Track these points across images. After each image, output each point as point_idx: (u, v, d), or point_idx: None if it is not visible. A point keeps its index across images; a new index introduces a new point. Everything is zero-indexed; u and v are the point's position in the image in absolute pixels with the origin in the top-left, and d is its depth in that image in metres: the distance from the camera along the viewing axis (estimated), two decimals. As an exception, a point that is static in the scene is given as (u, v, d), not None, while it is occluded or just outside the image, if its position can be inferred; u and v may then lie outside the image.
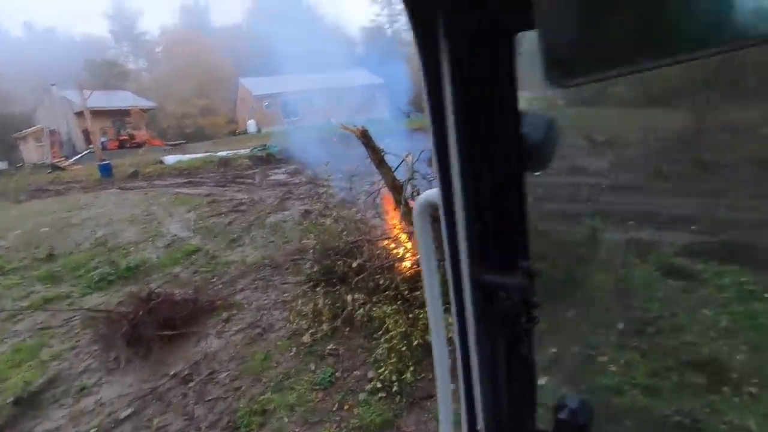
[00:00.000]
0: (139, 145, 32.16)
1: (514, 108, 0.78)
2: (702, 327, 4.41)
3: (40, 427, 4.51)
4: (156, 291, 6.41)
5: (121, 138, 33.06)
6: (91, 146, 29.30)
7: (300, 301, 5.97)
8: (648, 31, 0.47)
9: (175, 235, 10.16)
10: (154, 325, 5.74)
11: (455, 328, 0.88)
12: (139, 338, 5.60)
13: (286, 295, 6.61)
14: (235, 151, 21.70)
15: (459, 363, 0.91)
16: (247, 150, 21.16)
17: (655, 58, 0.47)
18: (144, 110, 37.30)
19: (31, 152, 35.25)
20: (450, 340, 0.95)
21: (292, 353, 5.11)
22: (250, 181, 15.60)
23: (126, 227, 11.21)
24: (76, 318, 6.59)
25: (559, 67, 0.52)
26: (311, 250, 6.87)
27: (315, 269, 6.47)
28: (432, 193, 0.88)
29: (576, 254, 5.81)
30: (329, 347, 5.07)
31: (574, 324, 4.84)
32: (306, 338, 5.22)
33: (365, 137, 6.29)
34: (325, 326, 5.29)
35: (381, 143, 6.98)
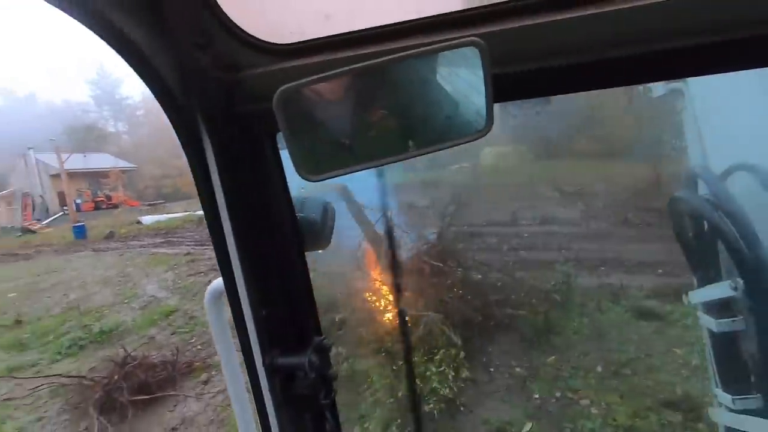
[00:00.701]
0: (116, 206, 31.80)
1: (285, 194, 0.85)
2: (675, 366, 4.57)
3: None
4: (132, 354, 6.22)
5: (98, 199, 32.70)
6: (65, 208, 28.81)
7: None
8: (372, 135, 0.61)
9: (152, 296, 9.93)
10: (129, 391, 5.53)
11: (258, 416, 0.88)
12: (113, 405, 5.36)
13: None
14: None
15: None
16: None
17: (382, 157, 0.61)
18: (123, 171, 37.32)
19: (2, 216, 34.29)
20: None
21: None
22: (229, 239, 15.54)
23: (99, 290, 10.91)
24: (43, 387, 6.26)
25: (306, 164, 0.60)
26: (293, 306, 6.86)
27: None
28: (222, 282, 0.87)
29: (551, 301, 6.01)
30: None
31: (554, 369, 4.93)
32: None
33: (344, 193, 6.57)
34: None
35: (362, 198, 7.28)
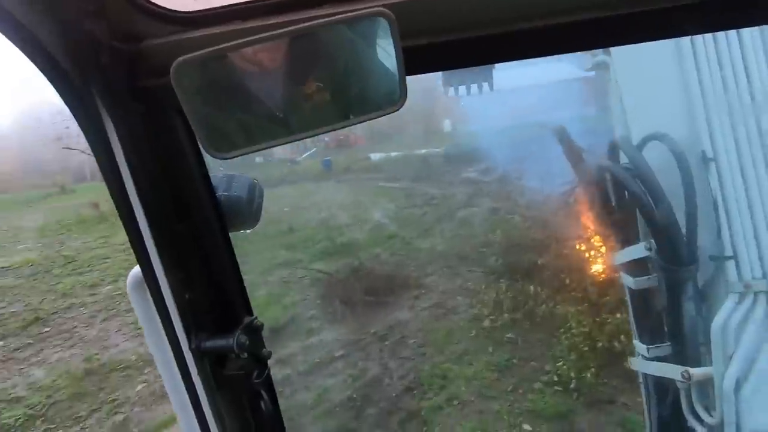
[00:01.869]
0: (351, 144, 37.42)
1: (202, 173, 0.79)
2: None
3: (284, 351, 6.14)
4: (363, 264, 7.74)
5: (340, 137, 39.14)
6: (317, 144, 35.58)
7: (483, 290, 6.36)
8: (283, 110, 0.60)
9: (377, 222, 11.76)
10: (361, 291, 7.00)
11: (190, 403, 0.85)
12: (350, 299, 6.92)
13: (469, 283, 7.08)
14: (430, 149, 23.24)
15: None
16: (441, 149, 22.42)
17: (287, 135, 0.60)
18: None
19: (280, 149, 44.69)
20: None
21: (473, 334, 5.55)
22: (441, 178, 16.63)
23: (340, 212, 13.49)
24: (306, 278, 8.47)
25: (213, 140, 0.58)
26: (497, 244, 7.16)
27: (499, 262, 6.75)
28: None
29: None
30: (508, 335, 5.32)
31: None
32: (486, 323, 5.58)
33: (562, 136, 6.21)
34: (506, 315, 5.55)
35: (581, 142, 6.75)
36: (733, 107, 1.87)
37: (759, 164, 1.84)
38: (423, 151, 23.54)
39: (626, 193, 2.05)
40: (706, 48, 1.87)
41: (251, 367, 0.86)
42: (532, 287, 5.58)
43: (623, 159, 2.08)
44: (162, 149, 0.74)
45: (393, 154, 25.72)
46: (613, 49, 2.19)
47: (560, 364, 4.44)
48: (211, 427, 0.85)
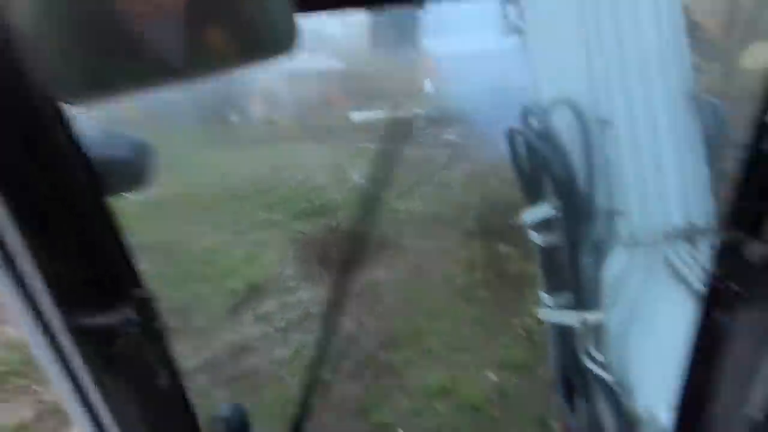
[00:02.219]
0: (331, 104, 36.48)
1: (64, 129, 0.67)
2: None
3: (262, 308, 6.24)
4: (340, 225, 7.78)
5: (321, 98, 38.06)
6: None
7: (457, 250, 6.52)
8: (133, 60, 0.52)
9: (356, 183, 11.72)
10: (338, 251, 7.08)
11: (75, 388, 0.78)
12: (327, 259, 7.00)
13: (444, 243, 7.24)
14: (411, 110, 22.92)
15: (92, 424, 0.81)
16: (422, 110, 22.15)
17: (148, 84, 0.53)
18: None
19: (257, 108, 43.36)
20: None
21: (446, 292, 5.75)
22: (421, 139, 16.53)
23: (319, 173, 13.36)
24: (284, 237, 8.49)
25: (68, 84, 0.51)
26: (473, 206, 7.28)
27: (474, 223, 6.90)
28: None
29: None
30: (480, 293, 5.53)
31: None
32: (459, 281, 5.77)
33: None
34: (478, 275, 5.74)
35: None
36: (627, 67, 1.92)
37: (648, 124, 1.93)
38: (403, 112, 23.16)
39: (534, 155, 2.16)
40: (599, 5, 1.89)
41: (142, 343, 0.78)
42: (504, 247, 5.76)
43: (534, 123, 2.17)
44: (12, 99, 0.60)
45: (374, 114, 25.29)
46: (526, 13, 2.21)
47: (527, 319, 4.67)
48: (101, 412, 0.77)
